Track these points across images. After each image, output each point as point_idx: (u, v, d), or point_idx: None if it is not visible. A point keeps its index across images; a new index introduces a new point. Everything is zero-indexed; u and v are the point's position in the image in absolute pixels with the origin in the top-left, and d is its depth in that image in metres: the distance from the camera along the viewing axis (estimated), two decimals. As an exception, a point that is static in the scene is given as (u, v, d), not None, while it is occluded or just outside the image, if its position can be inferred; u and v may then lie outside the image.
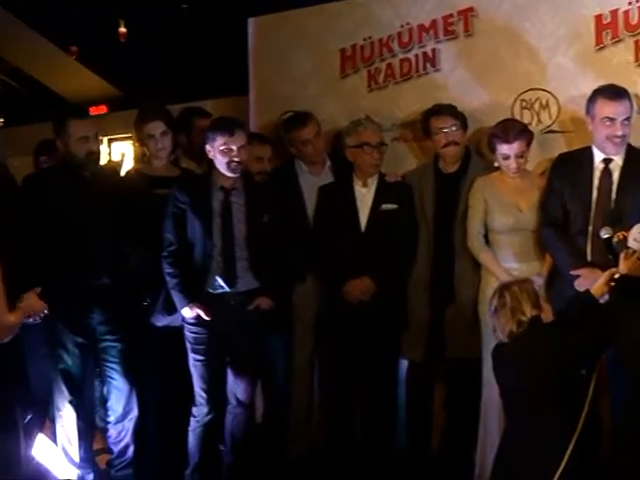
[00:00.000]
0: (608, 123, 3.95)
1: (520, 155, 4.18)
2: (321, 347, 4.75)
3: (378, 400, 4.54)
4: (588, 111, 4.03)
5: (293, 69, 5.20)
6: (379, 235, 4.44)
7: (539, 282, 4.02)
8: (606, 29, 4.34)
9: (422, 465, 4.57)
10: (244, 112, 5.31)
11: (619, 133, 3.95)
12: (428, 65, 4.81)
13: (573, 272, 3.92)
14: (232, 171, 4.17)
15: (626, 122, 3.96)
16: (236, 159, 4.14)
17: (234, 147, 4.13)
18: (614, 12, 4.31)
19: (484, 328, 4.11)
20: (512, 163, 4.18)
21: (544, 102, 4.49)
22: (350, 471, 4.46)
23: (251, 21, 5.39)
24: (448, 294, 4.41)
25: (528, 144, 4.21)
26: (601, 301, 3.54)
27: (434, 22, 4.79)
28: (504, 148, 4.17)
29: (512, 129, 4.20)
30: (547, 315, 3.46)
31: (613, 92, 3.96)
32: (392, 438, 4.62)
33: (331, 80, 5.08)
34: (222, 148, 4.14)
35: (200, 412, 4.23)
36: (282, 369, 4.73)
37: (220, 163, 4.18)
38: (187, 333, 4.23)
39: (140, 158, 4.92)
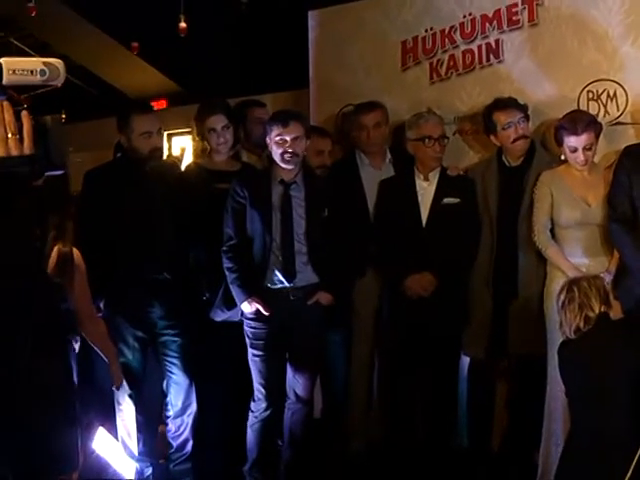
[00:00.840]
0: None
1: (589, 147, 4.07)
2: (381, 343, 4.70)
3: (439, 397, 4.48)
4: None
5: (353, 62, 5.15)
6: (440, 230, 4.39)
7: (607, 279, 3.93)
8: (677, 17, 4.21)
9: (482, 465, 4.49)
10: (304, 105, 5.29)
11: None
12: (491, 56, 4.72)
13: (643, 270, 3.82)
14: (286, 162, 4.14)
15: None
16: (290, 150, 4.10)
17: (288, 138, 4.10)
18: (688, -2, 4.18)
19: (549, 324, 4.02)
20: (580, 156, 4.08)
21: (611, 93, 4.37)
22: (409, 469, 4.41)
23: (311, 14, 5.37)
24: (511, 289, 4.31)
25: (597, 136, 4.10)
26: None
27: (498, 12, 4.70)
28: (572, 140, 4.07)
29: (580, 120, 4.09)
30: (616, 313, 3.38)
31: None
32: (452, 436, 4.56)
33: (392, 72, 5.02)
34: (277, 139, 4.12)
35: (258, 407, 4.22)
36: (341, 365, 4.71)
37: (275, 154, 4.16)
38: (246, 328, 4.22)
39: (200, 153, 4.92)
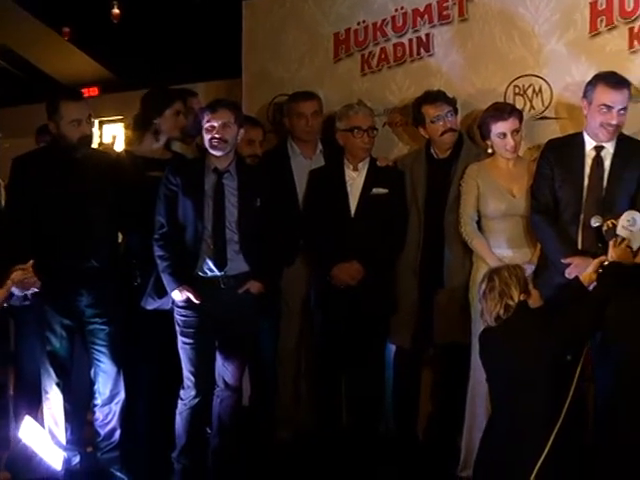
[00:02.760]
0: (605, 110, 3.98)
1: (516, 131, 4.24)
2: (309, 331, 4.81)
3: (365, 385, 4.59)
4: (586, 96, 4.06)
5: (287, 52, 5.24)
6: (369, 219, 4.51)
7: (530, 269, 4.08)
8: (600, 16, 4.39)
9: (408, 450, 4.63)
10: (238, 95, 5.34)
11: (614, 122, 3.99)
12: (422, 50, 4.85)
13: (564, 261, 3.96)
14: (214, 148, 4.18)
15: (622, 112, 4.01)
16: (217, 136, 4.15)
17: (216, 124, 4.15)
18: (609, -1, 4.35)
19: (474, 314, 4.16)
20: (510, 141, 4.24)
21: (537, 88, 4.55)
22: (337, 455, 4.52)
23: (245, 4, 5.42)
24: (437, 279, 4.45)
25: (521, 122, 4.28)
26: (589, 288, 3.59)
27: (429, 6, 4.84)
28: (500, 126, 4.23)
29: (505, 106, 4.32)
30: (535, 301, 3.47)
31: (615, 80, 3.99)
32: (379, 423, 4.69)
33: (324, 64, 5.12)
34: (207, 125, 4.18)
35: (188, 395, 4.26)
36: (270, 353, 4.79)
37: (205, 141, 4.21)
38: (176, 316, 4.26)
39: (131, 141, 4.94)
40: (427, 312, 4.49)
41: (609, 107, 3.98)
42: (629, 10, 4.32)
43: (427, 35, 4.83)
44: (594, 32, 4.40)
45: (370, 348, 4.57)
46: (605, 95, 3.98)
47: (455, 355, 4.40)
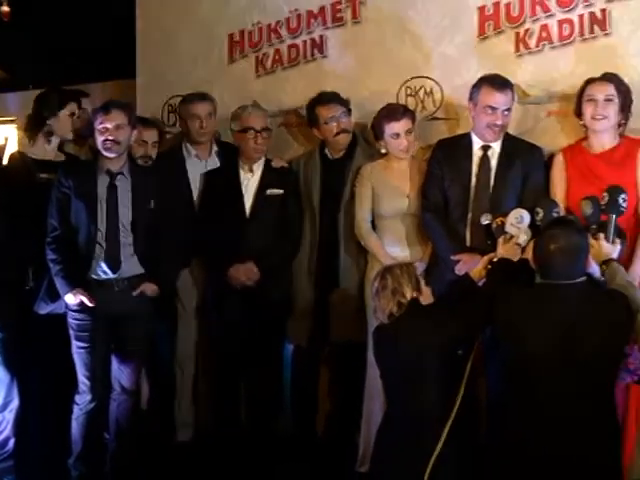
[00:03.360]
0: (490, 111, 4.12)
1: (409, 132, 4.33)
2: (206, 332, 4.80)
3: (264, 384, 4.62)
4: (471, 98, 4.19)
5: (181, 53, 5.23)
6: (264, 220, 4.54)
7: (422, 267, 4.14)
8: (488, 20, 4.53)
9: (307, 448, 4.68)
10: (132, 96, 5.30)
11: (499, 122, 4.12)
12: (316, 51, 4.91)
13: (453, 257, 4.08)
14: (107, 150, 4.16)
15: (506, 112, 4.15)
16: (110, 138, 4.13)
17: (109, 125, 4.13)
18: (496, 4, 4.51)
19: (369, 312, 4.21)
20: (403, 141, 4.32)
21: (428, 90, 4.66)
22: (236, 455, 4.53)
23: (139, 3, 5.38)
24: (333, 279, 4.52)
25: (413, 122, 4.38)
26: (479, 284, 3.69)
27: (322, 9, 4.90)
28: (393, 127, 4.31)
29: (398, 107, 4.41)
30: (426, 298, 3.54)
31: (498, 82, 4.13)
32: (278, 422, 4.72)
33: (219, 65, 5.13)
34: (99, 127, 4.15)
35: (83, 400, 4.21)
36: (167, 355, 4.78)
37: (98, 143, 4.18)
38: (70, 320, 4.21)
39: (24, 142, 4.85)
40: (323, 311, 4.55)
41: (494, 108, 4.11)
42: (515, 15, 4.47)
43: (321, 37, 4.89)
44: (482, 36, 4.54)
45: (267, 348, 4.60)
46: (489, 97, 4.12)
47: (351, 353, 4.47)
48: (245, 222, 4.56)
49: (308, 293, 4.59)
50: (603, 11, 4.30)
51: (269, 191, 4.56)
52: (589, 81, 4.10)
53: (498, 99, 4.11)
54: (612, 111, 4.03)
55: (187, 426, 4.84)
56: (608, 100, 4.03)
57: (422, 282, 3.58)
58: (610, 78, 4.07)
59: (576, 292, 3.24)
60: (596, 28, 4.31)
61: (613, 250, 3.58)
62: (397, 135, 4.32)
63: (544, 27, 4.41)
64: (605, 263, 3.52)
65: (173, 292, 4.65)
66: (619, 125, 4.10)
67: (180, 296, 4.75)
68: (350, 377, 4.52)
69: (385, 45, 4.74)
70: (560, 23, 4.38)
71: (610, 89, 4.04)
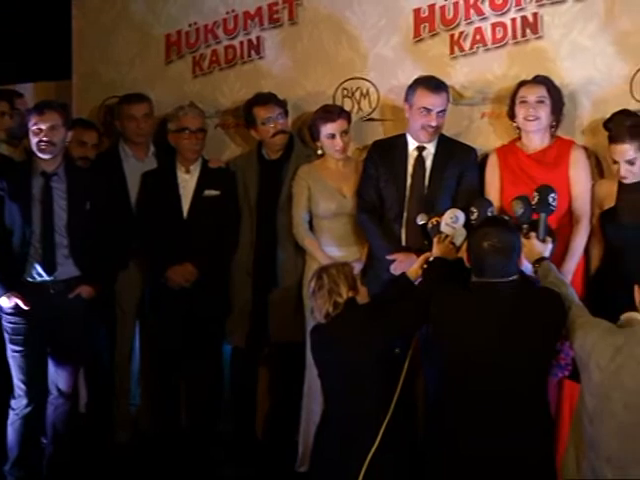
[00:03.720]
0: (425, 113, 4.18)
1: (345, 132, 4.37)
2: (145, 334, 4.80)
3: (202, 385, 4.63)
4: (407, 99, 4.25)
5: (117, 53, 5.17)
6: (201, 221, 4.54)
7: (359, 267, 4.20)
8: (424, 22, 4.57)
9: (247, 448, 4.69)
10: (68, 96, 5.24)
11: (433, 123, 4.18)
12: (252, 52, 4.91)
13: (389, 257, 4.13)
14: (41, 151, 4.12)
15: (441, 113, 4.21)
16: (45, 139, 4.09)
17: (43, 126, 4.09)
18: (431, 7, 4.56)
19: (307, 312, 4.24)
20: (338, 141, 4.35)
21: (365, 91, 4.70)
22: (176, 456, 4.53)
23: (75, 2, 5.30)
24: (271, 279, 4.54)
25: (349, 123, 4.42)
26: (415, 284, 3.73)
27: (259, 9, 4.89)
28: (329, 128, 4.35)
29: (333, 108, 4.46)
30: (363, 297, 3.57)
31: (433, 84, 4.19)
32: (217, 423, 4.72)
33: (156, 65, 5.09)
34: (33, 128, 4.11)
35: (19, 404, 4.17)
36: (105, 357, 4.74)
37: (32, 144, 4.14)
38: (4, 323, 4.16)
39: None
40: (262, 311, 4.56)
41: (429, 110, 4.17)
42: (449, 18, 4.53)
43: (258, 38, 4.89)
44: (418, 38, 4.59)
45: (206, 349, 4.61)
46: (424, 98, 4.17)
47: (291, 353, 4.49)
48: (182, 223, 4.55)
49: (246, 294, 4.60)
50: (535, 15, 4.39)
51: (206, 192, 4.56)
52: (521, 83, 4.20)
53: (433, 100, 4.17)
54: (544, 112, 4.13)
55: (126, 427, 4.82)
56: (540, 102, 4.12)
57: (358, 282, 3.60)
58: (542, 80, 4.17)
59: (509, 290, 3.29)
60: (528, 31, 4.39)
61: (545, 249, 3.64)
62: (333, 136, 4.36)
63: (478, 30, 4.48)
64: (538, 262, 3.59)
65: (111, 294, 4.63)
66: (551, 126, 4.19)
67: (118, 298, 4.72)
68: (289, 377, 4.53)
69: (322, 46, 4.77)
70: (493, 26, 4.46)
71: (542, 91, 4.13)
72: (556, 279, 3.48)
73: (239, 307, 4.61)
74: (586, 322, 3.17)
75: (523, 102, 4.14)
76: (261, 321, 4.56)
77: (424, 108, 4.17)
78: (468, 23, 4.50)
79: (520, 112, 4.15)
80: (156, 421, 4.74)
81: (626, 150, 3.92)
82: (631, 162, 3.94)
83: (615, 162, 3.99)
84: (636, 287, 3.06)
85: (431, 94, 4.17)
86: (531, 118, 4.12)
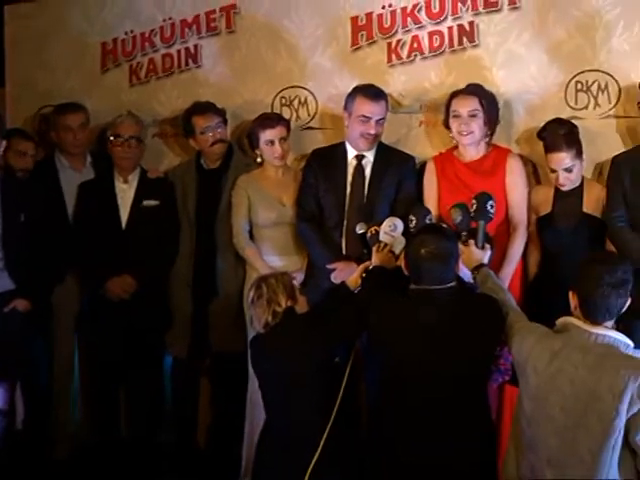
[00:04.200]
0: (363, 121, 4.21)
1: (284, 139, 4.39)
2: (83, 346, 4.74)
3: (143, 397, 4.60)
4: (346, 107, 4.27)
5: (53, 62, 5.09)
6: (140, 232, 4.51)
7: (300, 277, 4.23)
8: (361, 31, 4.61)
9: (189, 460, 4.67)
10: (1, 106, 5.16)
11: (372, 132, 4.22)
12: (190, 61, 4.89)
13: (330, 266, 4.16)
14: None
15: (380, 122, 4.25)
16: None
17: None
18: (369, 15, 4.59)
19: (248, 322, 4.18)
20: (277, 148, 4.37)
21: (303, 99, 4.72)
22: (117, 468, 4.48)
23: (7, 8, 5.20)
24: (212, 289, 4.52)
25: (288, 130, 4.44)
26: (355, 292, 3.73)
27: (197, 17, 4.88)
28: (268, 134, 4.36)
29: (272, 115, 4.50)
30: (302, 307, 3.58)
31: (372, 92, 4.22)
32: (159, 435, 4.69)
33: (92, 74, 5.03)
34: None
35: (-47, 423, 4.12)
36: (43, 371, 4.66)
37: None
38: (-64, 338, 4.10)
39: None
40: (202, 321, 4.54)
41: (367, 118, 4.20)
42: (387, 26, 4.57)
43: (195, 46, 4.88)
44: (356, 46, 4.62)
45: (146, 360, 4.57)
46: (363, 106, 4.20)
47: (232, 363, 4.45)
48: (121, 234, 4.52)
49: (186, 304, 4.58)
50: (471, 24, 4.44)
51: (145, 202, 4.54)
52: (454, 95, 4.23)
53: (372, 109, 4.20)
54: (477, 126, 4.17)
55: (65, 442, 4.75)
56: (472, 116, 4.16)
57: (297, 291, 3.61)
58: (473, 91, 4.20)
59: (447, 296, 3.31)
60: (465, 40, 4.45)
61: (483, 256, 3.68)
62: (272, 142, 4.37)
63: (415, 38, 4.52)
64: (476, 269, 3.62)
65: (48, 307, 4.55)
66: (486, 135, 4.23)
67: (56, 311, 4.64)
68: (232, 388, 4.51)
69: (260, 55, 4.78)
70: (430, 34, 4.51)
71: (474, 103, 4.16)
72: (494, 285, 3.52)
73: (179, 318, 4.59)
74: (523, 327, 3.23)
75: (456, 117, 4.18)
76: (202, 331, 4.54)
77: (363, 116, 4.20)
78: (405, 31, 4.54)
79: (453, 126, 4.20)
80: (96, 433, 4.69)
81: (563, 158, 4.00)
82: (569, 170, 4.02)
83: (553, 171, 4.06)
84: (570, 292, 3.11)
85: (370, 102, 4.20)
86: (464, 133, 4.17)
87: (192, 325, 4.57)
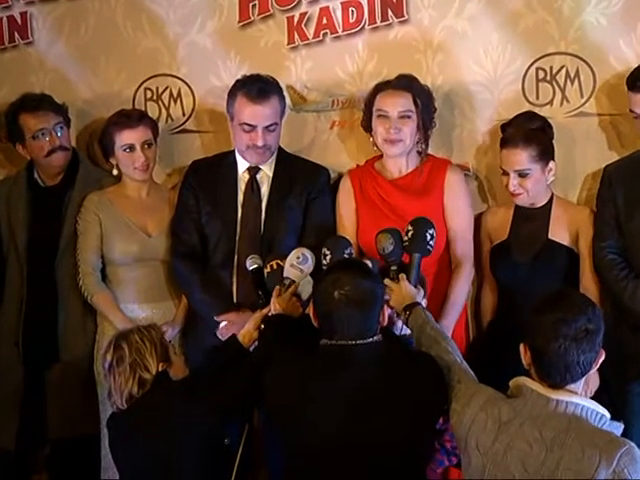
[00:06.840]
0: (247, 128, 4.25)
1: (149, 144, 4.46)
2: None
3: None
4: (228, 109, 4.34)
5: None
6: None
7: (174, 330, 4.38)
8: (252, 1, 4.67)
9: None
10: None
11: (259, 143, 4.26)
12: (17, 35, 4.95)
13: (217, 318, 4.24)
14: None
15: (271, 128, 4.28)
16: None
17: None
18: (244, -20, 4.61)
19: (102, 394, 4.25)
20: (140, 156, 4.43)
21: (175, 92, 4.83)
22: None
23: None
24: (50, 351, 4.54)
25: (154, 135, 4.52)
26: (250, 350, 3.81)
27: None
28: (126, 137, 4.44)
29: (133, 112, 4.54)
30: (179, 371, 3.67)
31: (255, 90, 4.25)
32: None
33: None
34: None
35: None
36: None
37: None
38: None
39: None
40: (36, 398, 4.56)
41: (251, 126, 4.24)
42: (287, -6, 4.59)
43: (23, 15, 4.90)
44: (245, 21, 4.70)
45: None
46: (245, 110, 4.26)
47: (80, 452, 4.52)
48: None
49: (15, 372, 4.60)
50: (371, -8, 4.46)
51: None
52: (379, 88, 4.28)
53: (256, 113, 4.24)
54: (409, 130, 4.23)
55: None
56: (404, 117, 4.21)
57: (172, 350, 3.68)
58: (406, 85, 4.25)
59: (369, 355, 3.36)
60: (390, 13, 4.54)
61: (417, 293, 3.75)
62: (131, 147, 4.44)
63: (325, 11, 4.61)
64: (408, 308, 3.68)
65: None
66: (419, 142, 4.30)
67: None
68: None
69: (115, 30, 4.81)
70: (345, 6, 4.58)
71: (406, 102, 4.23)
72: (434, 331, 3.58)
73: (5, 392, 4.59)
74: (466, 390, 3.29)
75: (382, 117, 4.22)
76: (35, 412, 4.57)
77: (245, 124, 4.24)
78: (311, 2, 4.59)
79: (378, 129, 4.24)
80: None
81: (516, 156, 4.11)
82: (523, 174, 4.12)
83: (505, 173, 4.16)
84: (522, 345, 3.17)
85: (252, 105, 4.24)
86: (393, 138, 4.21)
87: (23, 402, 4.59)
